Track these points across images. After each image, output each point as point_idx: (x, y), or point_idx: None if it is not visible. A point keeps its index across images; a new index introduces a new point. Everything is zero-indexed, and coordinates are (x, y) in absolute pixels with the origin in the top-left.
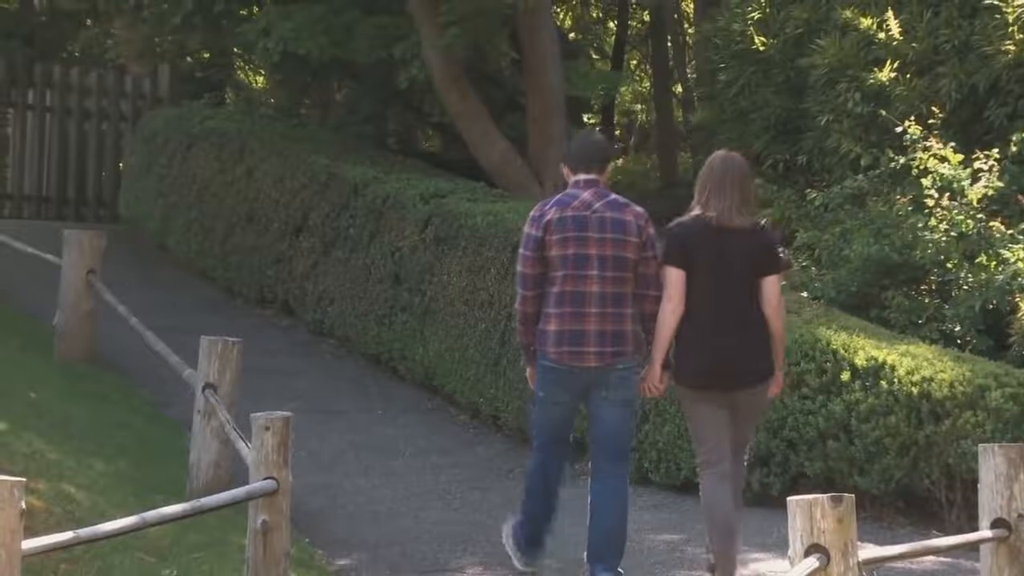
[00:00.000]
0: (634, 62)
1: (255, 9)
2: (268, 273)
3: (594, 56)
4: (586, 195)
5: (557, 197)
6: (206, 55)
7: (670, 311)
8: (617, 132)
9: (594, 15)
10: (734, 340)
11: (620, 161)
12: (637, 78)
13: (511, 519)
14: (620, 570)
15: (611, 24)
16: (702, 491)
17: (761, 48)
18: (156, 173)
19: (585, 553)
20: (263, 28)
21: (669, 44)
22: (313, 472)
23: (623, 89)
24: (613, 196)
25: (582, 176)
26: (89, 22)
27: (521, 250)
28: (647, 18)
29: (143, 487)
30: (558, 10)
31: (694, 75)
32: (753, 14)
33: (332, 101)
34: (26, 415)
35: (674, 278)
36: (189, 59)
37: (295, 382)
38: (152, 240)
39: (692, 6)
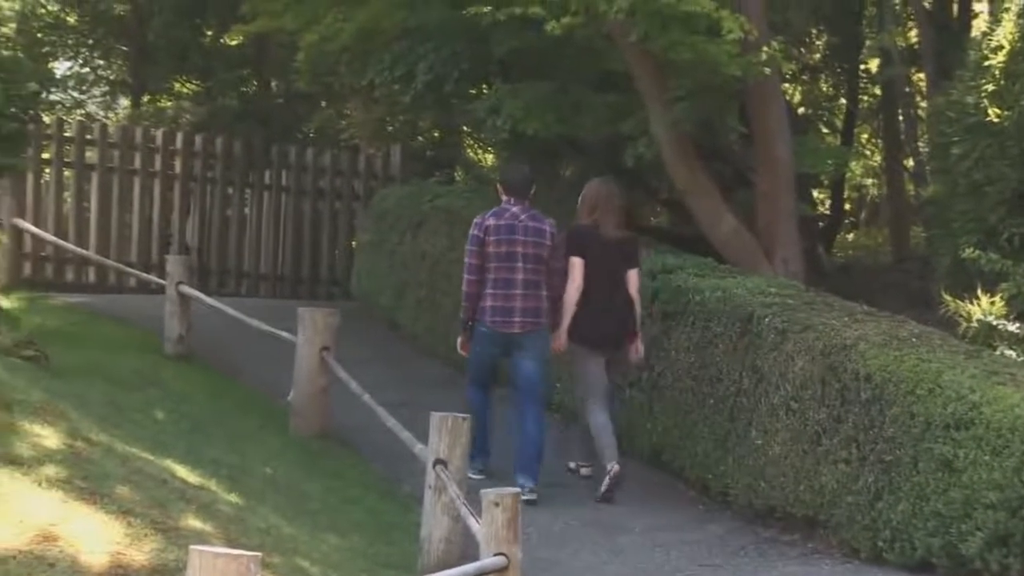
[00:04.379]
0: (865, 136)
1: (484, 88)
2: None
3: (824, 131)
4: (515, 209)
5: (495, 210)
6: (436, 134)
7: (575, 289)
8: (847, 207)
9: (824, 90)
10: (613, 314)
11: (851, 236)
12: (868, 152)
13: None
14: (534, 482)
15: (841, 99)
16: (592, 418)
17: (996, 120)
18: (387, 251)
19: (515, 467)
20: (492, 106)
21: (901, 118)
22: (542, 548)
23: (853, 163)
24: (534, 211)
25: (513, 197)
26: (324, 103)
27: (467, 246)
28: (878, 92)
29: (375, 562)
30: (788, 86)
31: (926, 148)
32: (987, 86)
33: (559, 177)
34: (262, 490)
35: (577, 264)
36: (420, 138)
37: None
38: (383, 317)
39: (924, 79)
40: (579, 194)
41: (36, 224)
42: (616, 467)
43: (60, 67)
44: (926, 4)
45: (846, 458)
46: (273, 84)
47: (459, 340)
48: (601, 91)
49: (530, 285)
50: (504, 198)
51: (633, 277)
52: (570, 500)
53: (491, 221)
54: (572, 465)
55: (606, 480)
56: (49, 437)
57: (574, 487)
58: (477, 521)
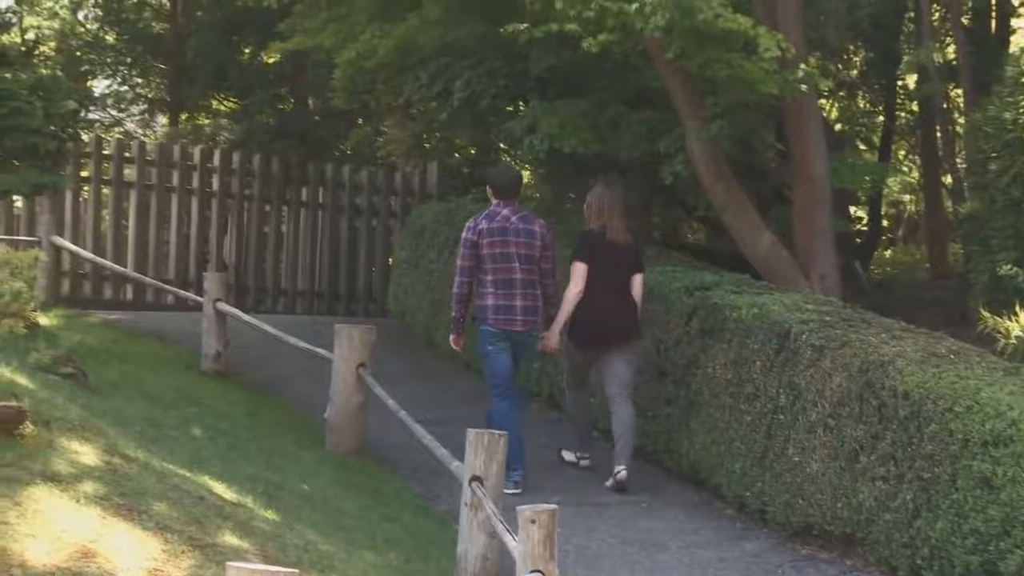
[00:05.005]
0: (902, 152)
1: (520, 105)
2: (534, 367)
3: (861, 147)
4: (506, 211)
5: (486, 212)
6: (473, 151)
7: (575, 294)
8: (885, 223)
9: (861, 106)
10: (619, 317)
11: (889, 252)
12: (905, 168)
13: None
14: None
15: (879, 115)
16: (575, 402)
17: None
18: (424, 268)
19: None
20: (528, 124)
21: (938, 134)
22: (579, 566)
23: (891, 180)
24: (524, 213)
25: (504, 199)
26: (360, 121)
27: (461, 249)
28: (916, 108)
29: None
30: (824, 102)
31: (964, 165)
32: None
33: None
34: (299, 507)
35: (580, 270)
36: (457, 155)
37: (560, 475)
38: (420, 334)
39: (962, 95)
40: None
41: (74, 241)
42: (587, 463)
43: (99, 85)
44: (964, 20)
45: (884, 475)
46: (310, 102)
47: (451, 337)
48: (637, 108)
49: (527, 284)
50: (494, 200)
51: (638, 281)
52: (607, 517)
53: (484, 224)
54: (568, 456)
55: (576, 460)
56: (87, 454)
57: (610, 505)
58: (514, 538)
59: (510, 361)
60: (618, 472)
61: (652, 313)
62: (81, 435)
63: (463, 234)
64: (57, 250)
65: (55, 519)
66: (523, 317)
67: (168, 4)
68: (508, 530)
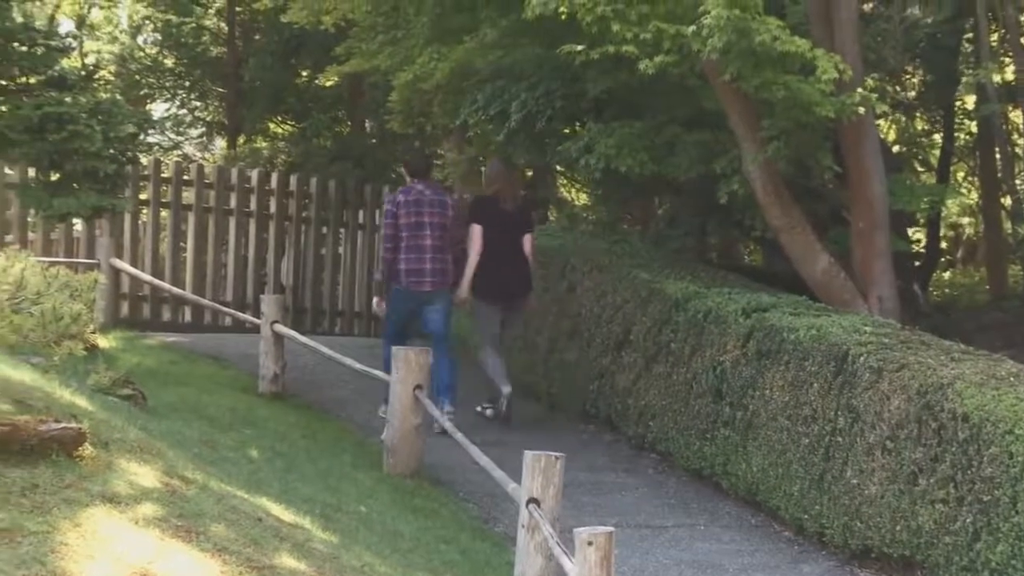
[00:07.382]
0: (961, 174)
1: (576, 127)
2: (590, 388)
3: (919, 168)
4: (420, 187)
5: (403, 188)
6: (529, 173)
7: (476, 253)
8: (943, 245)
9: (919, 127)
10: (511, 272)
11: (947, 274)
12: (964, 190)
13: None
14: (452, 406)
15: (936, 136)
16: (487, 359)
17: None
18: None
19: (436, 391)
20: (585, 145)
21: (997, 155)
22: None
23: (949, 201)
24: (436, 188)
25: (418, 178)
26: (417, 144)
27: (384, 219)
28: (975, 129)
29: None
30: (882, 123)
31: (1023, 186)
32: None
33: (653, 215)
34: (356, 529)
35: (477, 231)
36: None
37: (617, 497)
38: (475, 356)
39: (1021, 116)
40: (677, 232)
41: (133, 264)
42: (508, 389)
43: (158, 109)
44: (1023, 40)
45: (943, 498)
46: (367, 124)
47: (375, 300)
48: (694, 129)
49: (437, 250)
50: (409, 179)
51: (528, 240)
52: (664, 539)
53: (401, 198)
54: (479, 408)
55: (502, 401)
56: (145, 475)
57: (667, 527)
58: (571, 560)
59: (407, 320)
60: (504, 390)
61: (708, 335)
62: (139, 456)
63: (384, 206)
64: (116, 272)
65: (114, 540)
66: (431, 279)
67: (226, 28)
68: (565, 552)
